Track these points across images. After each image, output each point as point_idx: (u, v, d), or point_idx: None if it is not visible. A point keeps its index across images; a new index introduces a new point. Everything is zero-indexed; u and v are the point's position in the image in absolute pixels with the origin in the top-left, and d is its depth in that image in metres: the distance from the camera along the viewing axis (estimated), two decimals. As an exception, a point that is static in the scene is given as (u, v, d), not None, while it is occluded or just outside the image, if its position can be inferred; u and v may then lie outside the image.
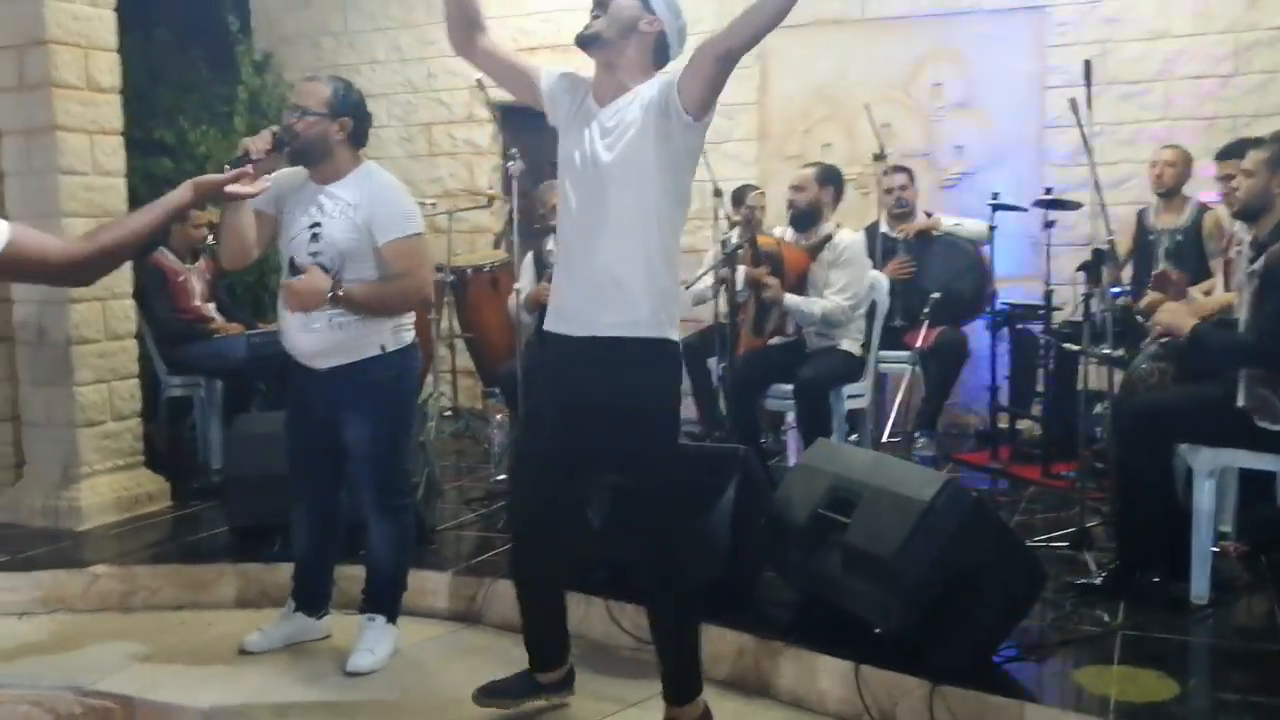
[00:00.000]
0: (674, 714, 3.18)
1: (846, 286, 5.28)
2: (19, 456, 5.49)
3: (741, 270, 5.24)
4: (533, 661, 3.41)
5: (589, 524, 3.87)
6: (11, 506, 5.34)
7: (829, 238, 5.34)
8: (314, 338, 3.63)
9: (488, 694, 3.38)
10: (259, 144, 3.42)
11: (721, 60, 2.83)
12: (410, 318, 3.81)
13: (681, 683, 3.19)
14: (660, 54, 3.07)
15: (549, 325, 3.17)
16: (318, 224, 3.61)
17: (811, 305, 5.25)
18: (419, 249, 3.70)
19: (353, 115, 3.66)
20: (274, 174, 3.67)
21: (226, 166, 3.15)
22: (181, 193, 2.75)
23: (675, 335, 3.06)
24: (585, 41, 3.00)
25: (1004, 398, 6.20)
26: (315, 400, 3.74)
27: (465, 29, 3.20)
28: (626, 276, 2.98)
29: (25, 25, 5.10)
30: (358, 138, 3.70)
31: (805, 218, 5.46)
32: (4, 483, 5.48)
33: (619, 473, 3.16)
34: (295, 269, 3.65)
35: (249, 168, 3.24)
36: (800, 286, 5.29)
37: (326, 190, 3.64)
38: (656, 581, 3.17)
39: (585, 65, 3.14)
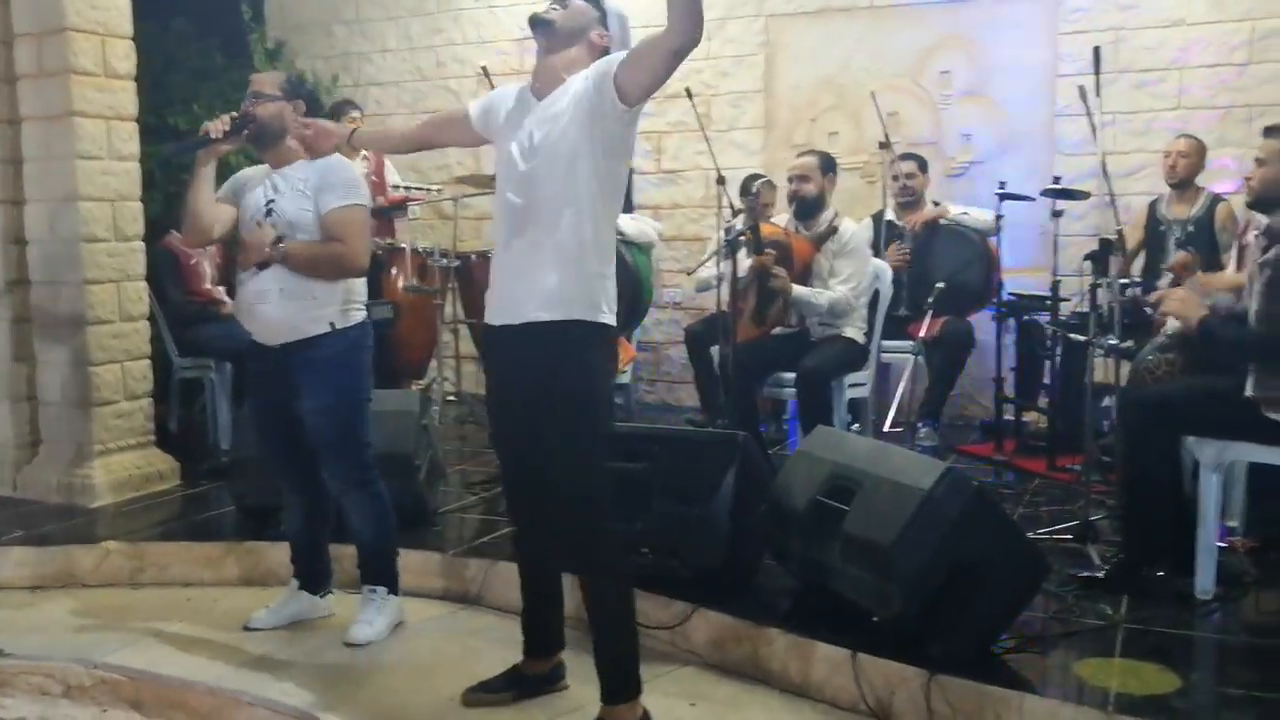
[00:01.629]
0: (610, 714, 3.11)
1: (851, 276, 5.29)
2: (35, 435, 5.56)
3: (746, 260, 5.23)
4: (526, 646, 3.43)
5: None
6: (28, 483, 5.47)
7: (834, 229, 5.34)
8: (267, 309, 3.78)
9: (476, 692, 3.41)
10: (217, 125, 3.70)
11: (671, 52, 2.80)
12: (358, 296, 3.92)
13: (618, 679, 3.12)
14: None
15: (485, 318, 3.22)
16: (272, 200, 3.82)
17: (818, 296, 5.26)
18: (358, 219, 3.83)
19: (305, 99, 3.93)
20: (240, 172, 4.00)
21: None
22: None
23: (600, 319, 3.04)
24: (536, 23, 3.05)
25: (1009, 389, 6.18)
26: (272, 380, 3.86)
27: (399, 143, 3.84)
28: (554, 261, 2.98)
29: (44, 13, 5.18)
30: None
31: (812, 207, 5.45)
32: (21, 460, 5.55)
33: (542, 455, 3.09)
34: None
35: (209, 147, 3.69)
36: (805, 277, 5.29)
37: (281, 173, 3.85)
38: (584, 564, 3.15)
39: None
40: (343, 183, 3.81)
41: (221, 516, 5.04)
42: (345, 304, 3.85)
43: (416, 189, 7.02)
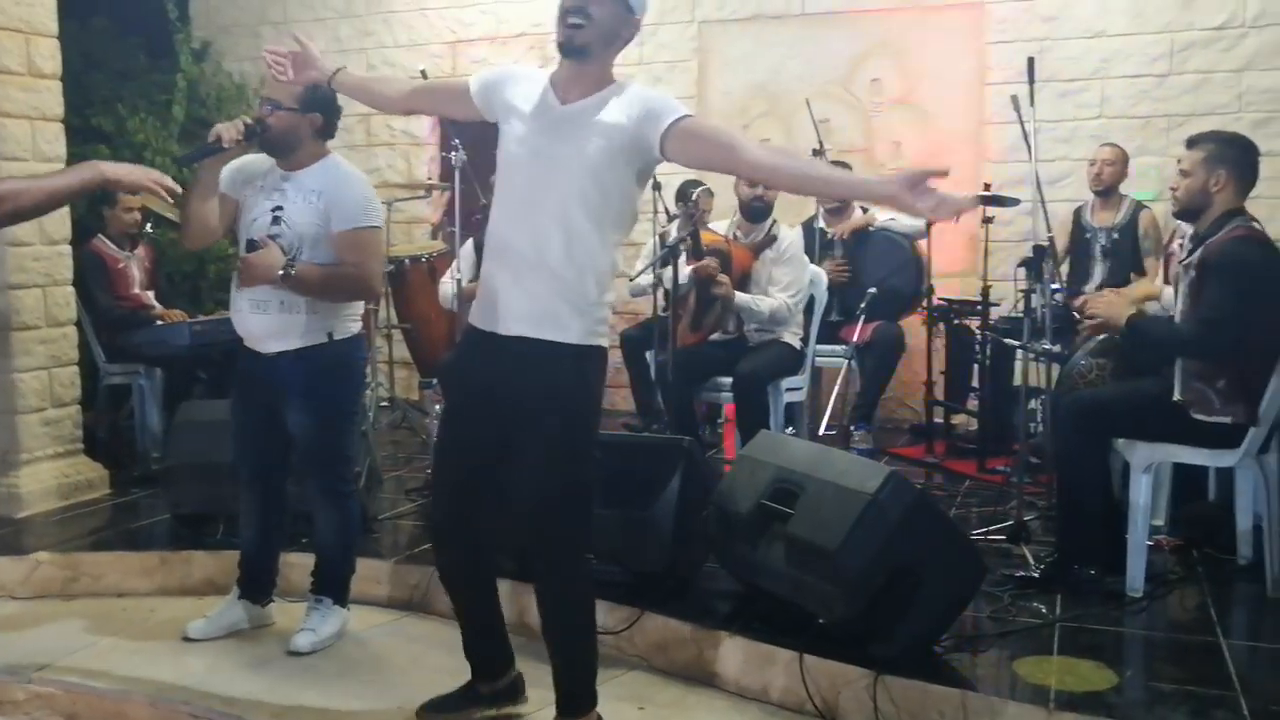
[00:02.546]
0: None
1: (790, 284, 5.35)
2: (-42, 442, 5.40)
3: (685, 266, 5.25)
4: (473, 670, 3.33)
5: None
6: (-50, 492, 5.28)
7: (773, 237, 5.39)
8: (265, 319, 3.68)
9: (430, 710, 3.30)
10: (231, 133, 3.54)
11: (731, 173, 2.86)
12: (358, 309, 3.86)
13: (574, 690, 3.08)
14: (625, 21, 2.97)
15: (474, 319, 3.10)
16: (280, 207, 3.69)
17: (759, 303, 5.30)
18: (372, 242, 3.76)
19: (323, 111, 3.74)
20: (239, 159, 3.78)
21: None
22: (89, 172, 2.95)
23: (597, 343, 3.00)
24: (572, 53, 2.89)
25: (938, 393, 6.28)
26: (262, 385, 3.77)
27: (386, 103, 3.48)
28: (558, 280, 2.91)
29: (-36, 10, 5.01)
30: (327, 132, 3.79)
31: (766, 212, 5.49)
32: (-57, 468, 5.38)
33: (530, 471, 3.01)
34: (253, 247, 3.69)
35: (220, 155, 3.52)
36: (743, 284, 5.34)
37: (292, 177, 3.73)
38: (543, 566, 3.06)
39: (522, 58, 3.13)
40: (358, 203, 3.71)
41: (154, 525, 4.95)
42: (345, 315, 3.79)
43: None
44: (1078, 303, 5.19)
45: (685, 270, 5.23)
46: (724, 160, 2.92)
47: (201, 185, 3.66)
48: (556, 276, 2.91)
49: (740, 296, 5.27)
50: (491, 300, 3.02)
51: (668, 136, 2.82)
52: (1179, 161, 4.04)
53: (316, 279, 3.64)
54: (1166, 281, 4.63)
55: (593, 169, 2.86)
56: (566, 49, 2.89)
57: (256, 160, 3.81)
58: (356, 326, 3.84)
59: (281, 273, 3.58)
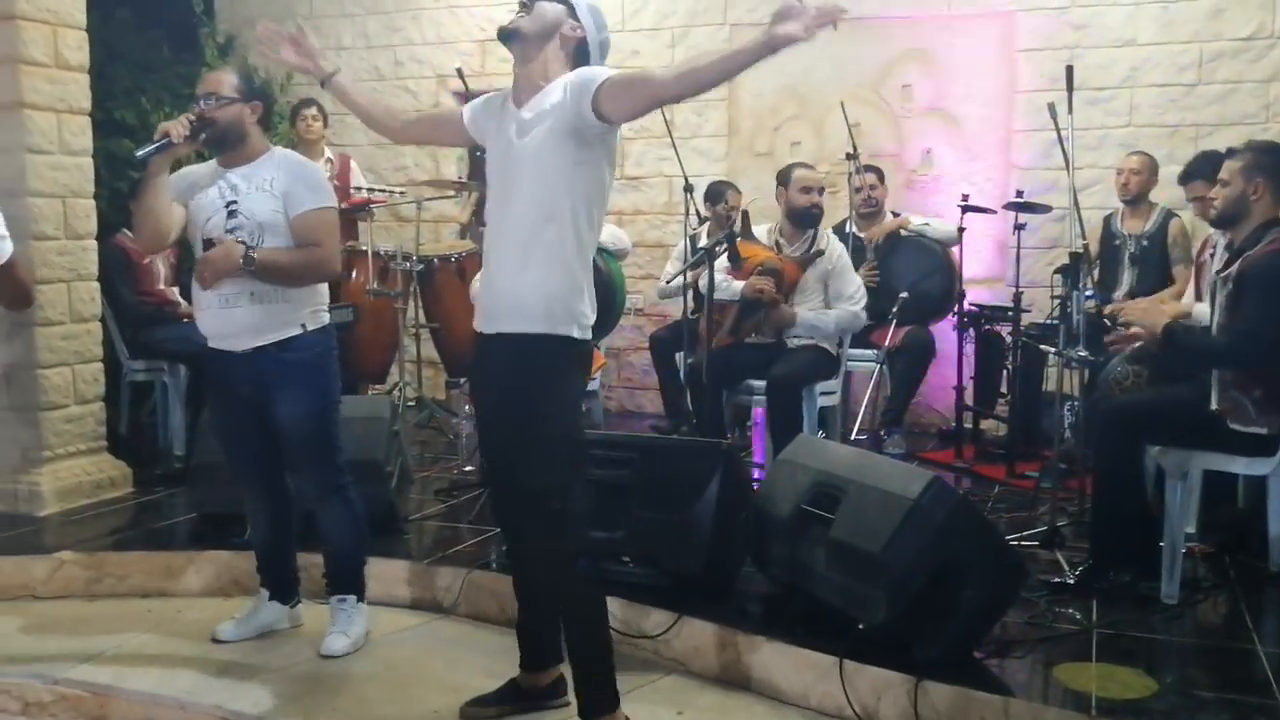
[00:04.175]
0: None
1: (855, 294, 5.35)
2: (-22, 439, 5.37)
3: (729, 279, 5.21)
4: (521, 658, 3.37)
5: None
6: (-31, 490, 5.24)
7: (820, 251, 5.35)
8: (236, 314, 3.66)
9: (472, 705, 3.35)
10: (178, 129, 3.54)
11: (658, 103, 2.92)
12: (325, 299, 3.86)
13: (593, 693, 3.10)
14: (580, 61, 3.07)
15: (475, 324, 3.18)
16: (234, 201, 3.67)
17: (823, 318, 5.28)
18: (330, 221, 3.77)
19: (261, 99, 3.79)
20: (184, 170, 3.83)
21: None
22: None
23: (576, 333, 3.03)
24: (506, 35, 3.02)
25: (967, 398, 6.25)
26: (240, 385, 3.74)
27: (384, 130, 3.56)
28: (533, 272, 2.97)
29: (-9, 0, 4.98)
30: (266, 120, 3.83)
31: (818, 218, 5.45)
32: (-38, 465, 5.35)
33: (516, 467, 3.07)
34: (210, 247, 3.68)
35: (169, 150, 3.53)
36: (790, 297, 5.31)
37: (239, 171, 3.72)
38: (550, 578, 3.12)
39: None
40: (312, 185, 3.74)
41: (178, 524, 4.92)
42: (315, 307, 3.78)
43: (379, 191, 6.93)
44: (1110, 309, 5.18)
45: (734, 285, 5.20)
46: (647, 95, 2.90)
47: (150, 182, 3.62)
48: (532, 270, 2.97)
49: (803, 315, 5.24)
50: (481, 301, 3.16)
51: (598, 98, 2.87)
52: (1209, 177, 4.05)
53: (280, 262, 3.63)
54: (1198, 295, 4.63)
55: (549, 155, 2.95)
56: (500, 32, 3.03)
57: (198, 167, 3.87)
58: (326, 318, 3.84)
59: (243, 260, 3.56)
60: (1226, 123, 6.39)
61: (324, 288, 3.85)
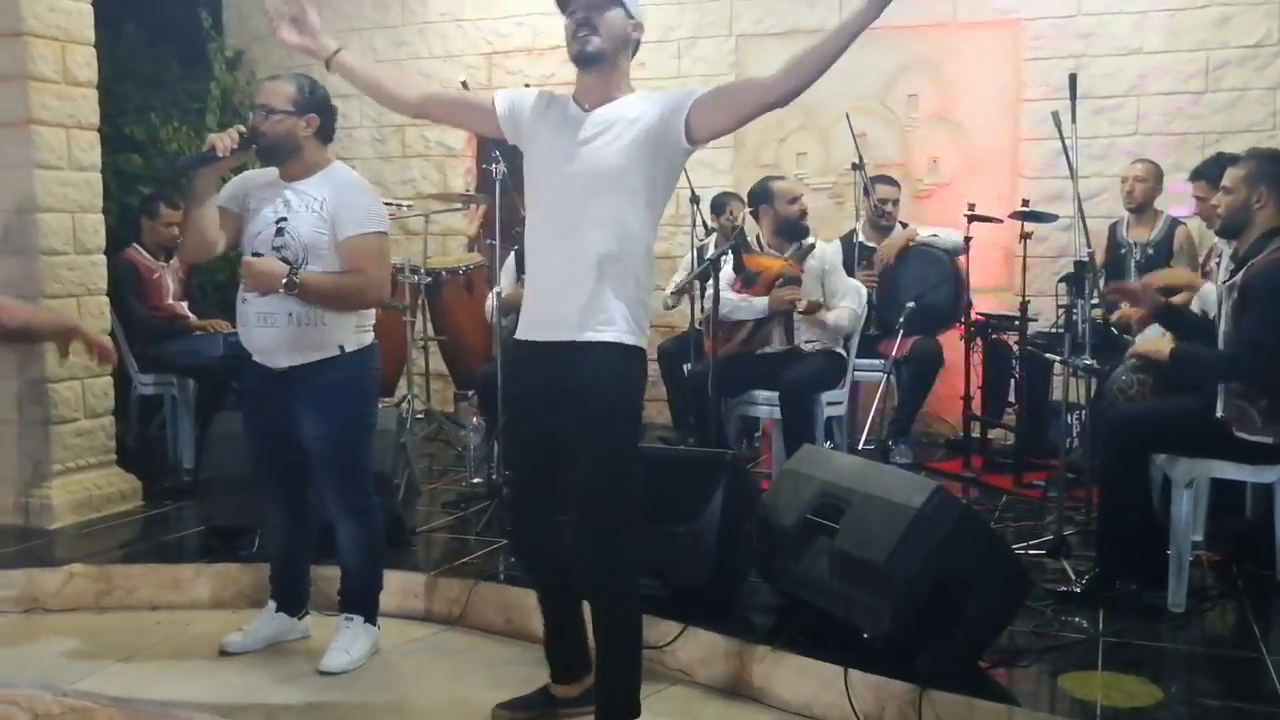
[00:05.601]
0: None
1: (848, 293, 5.38)
2: (-11, 452, 5.40)
3: (756, 299, 5.23)
4: (551, 671, 3.38)
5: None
6: (-20, 503, 5.27)
7: (812, 245, 5.36)
8: (273, 333, 3.62)
9: (504, 708, 3.35)
10: (225, 141, 3.50)
11: (765, 107, 2.91)
12: (370, 318, 3.80)
13: (615, 702, 3.11)
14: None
15: (522, 334, 3.14)
16: (284, 218, 3.61)
17: (840, 316, 5.34)
18: (378, 248, 3.68)
19: (319, 111, 3.67)
20: (244, 174, 3.76)
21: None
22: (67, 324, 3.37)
23: (641, 343, 3.05)
24: (588, 60, 2.98)
25: (974, 407, 6.24)
26: (273, 400, 3.71)
27: (394, 103, 3.33)
28: (602, 280, 2.96)
29: (1, 17, 5.00)
30: (325, 134, 3.72)
31: (805, 230, 5.47)
32: (-27, 479, 5.38)
33: (577, 472, 3.05)
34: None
35: (215, 164, 3.49)
36: None
37: (294, 187, 3.65)
38: (601, 587, 3.10)
39: (558, 70, 3.16)
40: (362, 208, 3.65)
41: (186, 537, 4.93)
42: (358, 326, 3.72)
43: (386, 204, 6.95)
44: (1114, 317, 5.16)
45: (757, 303, 5.22)
46: (753, 100, 2.93)
47: (197, 194, 3.58)
48: (598, 277, 2.96)
49: (828, 316, 5.29)
50: (537, 310, 3.09)
51: (692, 114, 2.90)
52: (1216, 180, 4.05)
53: (323, 288, 3.57)
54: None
55: (624, 161, 2.95)
56: (582, 58, 3.00)
57: (260, 173, 3.77)
58: (369, 338, 3.77)
59: (285, 282, 3.51)
60: (1233, 130, 6.38)
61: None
